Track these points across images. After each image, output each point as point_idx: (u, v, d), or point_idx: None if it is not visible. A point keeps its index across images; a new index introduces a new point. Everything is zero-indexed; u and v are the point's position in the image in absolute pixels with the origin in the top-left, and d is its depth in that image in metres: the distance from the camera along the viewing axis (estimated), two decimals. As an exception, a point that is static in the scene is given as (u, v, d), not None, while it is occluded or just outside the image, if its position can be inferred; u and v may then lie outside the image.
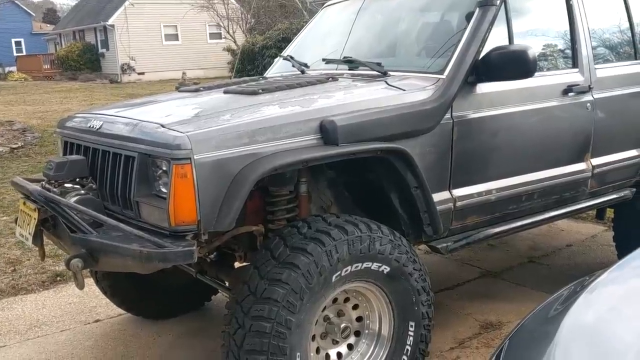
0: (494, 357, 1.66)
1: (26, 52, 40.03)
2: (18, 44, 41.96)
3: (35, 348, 3.50)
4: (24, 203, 2.74)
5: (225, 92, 3.05)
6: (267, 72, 4.07)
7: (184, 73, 22.83)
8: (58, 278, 4.46)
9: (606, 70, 3.62)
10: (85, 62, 31.78)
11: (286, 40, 17.40)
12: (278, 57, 4.12)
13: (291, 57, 3.73)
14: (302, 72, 3.56)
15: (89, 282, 3.68)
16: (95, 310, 3.97)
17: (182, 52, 30.50)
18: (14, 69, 34.14)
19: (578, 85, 3.42)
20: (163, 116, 2.62)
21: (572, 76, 3.45)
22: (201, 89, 3.31)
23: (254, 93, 2.88)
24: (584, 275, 1.98)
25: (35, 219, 2.60)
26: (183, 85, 3.22)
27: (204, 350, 3.43)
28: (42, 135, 10.84)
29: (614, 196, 3.79)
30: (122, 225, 2.38)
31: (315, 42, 4.07)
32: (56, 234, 2.61)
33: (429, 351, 2.87)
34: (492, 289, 4.20)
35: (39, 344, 3.54)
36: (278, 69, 3.97)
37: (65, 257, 2.46)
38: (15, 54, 39.73)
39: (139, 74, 30.00)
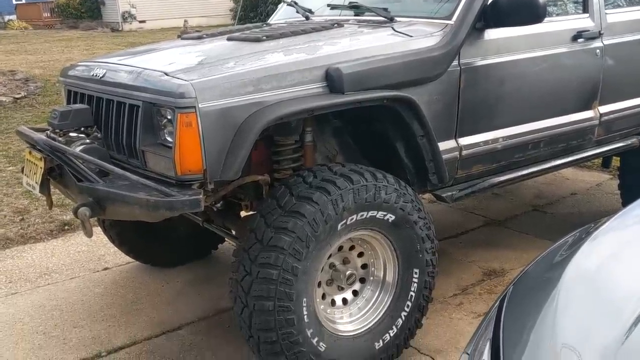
0: (497, 302, 1.68)
1: (25, 0, 39.30)
2: (17, -9, 41.11)
3: (46, 295, 3.57)
4: (30, 152, 2.74)
5: (228, 40, 3.01)
6: (270, 18, 4.00)
7: (185, 21, 22.45)
8: (66, 227, 4.51)
9: (617, 16, 3.55)
10: (86, 10, 31.23)
11: (289, -13, 17.01)
12: (282, 3, 4.04)
13: (295, 3, 3.65)
14: (307, 18, 3.49)
15: (97, 230, 3.73)
16: (103, 258, 4.03)
17: (184, -1, 29.88)
18: (13, 17, 33.62)
19: (588, 31, 3.36)
20: (166, 64, 2.59)
21: (582, 22, 3.38)
22: (204, 36, 3.25)
23: (257, 40, 2.84)
24: (588, 224, 1.98)
25: (41, 168, 2.61)
26: (185, 34, 3.15)
27: (211, 296, 3.50)
28: (44, 85, 10.77)
29: (621, 144, 3.77)
30: (128, 174, 2.39)
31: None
32: (63, 182, 2.62)
33: (432, 297, 2.92)
34: (496, 237, 4.24)
35: (49, 291, 3.61)
36: (282, 15, 3.90)
37: (72, 206, 2.48)
38: (14, 1, 39.01)
39: (140, 22, 29.50)
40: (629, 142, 3.79)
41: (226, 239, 3.60)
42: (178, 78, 2.35)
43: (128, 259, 3.88)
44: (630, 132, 3.80)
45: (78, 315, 3.34)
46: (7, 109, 8.93)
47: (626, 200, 4.12)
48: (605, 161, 4.32)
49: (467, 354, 1.60)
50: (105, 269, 3.90)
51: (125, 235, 3.62)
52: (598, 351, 1.31)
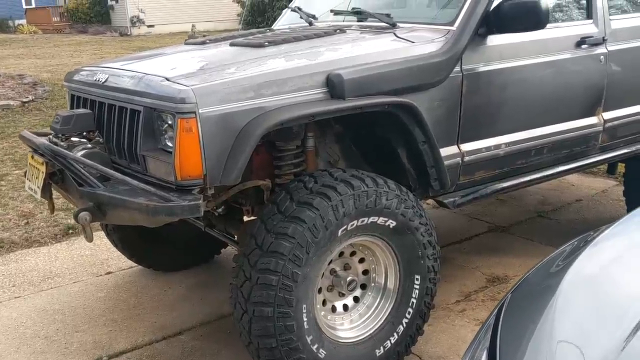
0: (496, 310, 1.67)
1: (35, 5, 39.55)
2: (27, -4, 41.45)
3: (48, 299, 3.58)
4: (32, 157, 2.75)
5: (231, 45, 3.01)
6: (274, 24, 4.01)
7: (193, 26, 22.56)
8: (70, 231, 4.52)
9: (621, 22, 3.53)
10: (95, 14, 31.46)
11: (297, -8, 17.07)
12: (286, 9, 4.05)
13: (299, 9, 3.66)
14: (310, 23, 3.49)
15: (100, 234, 3.75)
16: (106, 262, 4.04)
17: (192, 4, 30.01)
18: (23, 22, 33.87)
19: (592, 37, 3.34)
20: (168, 69, 2.60)
21: (586, 28, 3.36)
22: (207, 41, 3.26)
23: (260, 46, 2.84)
24: (591, 230, 1.97)
25: (43, 172, 2.62)
26: (192, 38, 3.19)
27: (213, 302, 3.50)
28: (52, 89, 10.83)
29: (625, 150, 3.75)
30: (129, 179, 2.39)
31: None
32: (64, 187, 2.63)
33: (434, 304, 2.90)
34: (500, 243, 4.22)
35: (52, 295, 3.62)
36: (286, 20, 3.91)
37: (74, 211, 2.48)
38: (24, 6, 39.32)
39: (149, 26, 29.66)
40: (633, 148, 3.77)
41: (228, 244, 3.60)
42: (179, 83, 2.35)
43: (131, 263, 3.89)
44: (634, 138, 3.77)
45: (80, 320, 3.34)
46: (15, 112, 8.98)
47: (632, 207, 4.10)
48: (611, 167, 4.30)
49: (464, 362, 1.59)
50: (108, 273, 3.91)
51: (128, 239, 3.63)
52: (599, 353, 1.29)
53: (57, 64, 15.37)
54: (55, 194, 2.80)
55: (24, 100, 9.65)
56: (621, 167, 4.37)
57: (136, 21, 29.81)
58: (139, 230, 3.49)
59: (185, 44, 3.43)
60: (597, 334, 1.38)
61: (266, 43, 2.85)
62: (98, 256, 4.12)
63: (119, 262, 3.99)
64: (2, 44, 21.76)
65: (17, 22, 33.37)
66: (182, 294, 3.62)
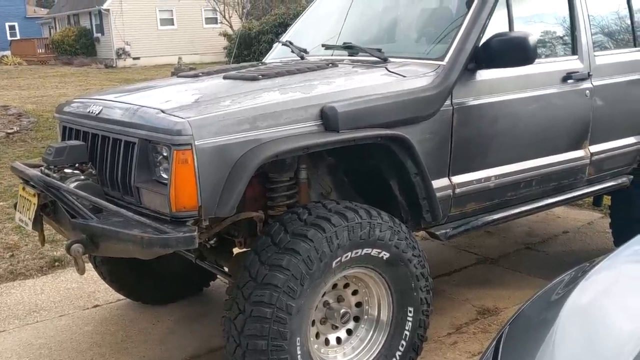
0: (494, 343, 1.68)
1: (20, 37, 39.70)
2: (12, 28, 41.64)
3: (34, 333, 3.51)
4: (24, 188, 2.73)
5: (225, 78, 3.04)
6: (266, 57, 4.06)
7: (179, 58, 22.69)
8: (56, 263, 4.46)
9: (605, 58, 3.62)
10: (81, 46, 31.60)
11: (283, 26, 17.30)
12: (277, 43, 4.10)
13: (290, 43, 3.72)
14: (302, 57, 3.54)
15: (88, 267, 3.69)
16: (94, 295, 3.98)
17: (178, 37, 30.34)
18: (8, 53, 33.87)
19: (577, 72, 3.42)
20: (163, 101, 2.61)
21: (572, 63, 3.45)
22: (200, 74, 3.29)
23: (254, 79, 2.87)
24: (580, 262, 1.99)
25: (35, 204, 2.60)
26: (179, 71, 3.21)
27: (203, 335, 3.45)
28: (37, 120, 10.78)
29: (612, 183, 3.81)
30: (122, 210, 2.38)
31: (314, 27, 4.05)
32: (56, 219, 2.61)
33: (427, 336, 2.89)
34: (489, 275, 4.23)
35: (37, 329, 3.55)
36: (277, 54, 3.96)
37: (65, 243, 2.46)
38: (9, 38, 39.44)
39: (134, 58, 29.85)
40: (619, 181, 3.83)
41: (218, 276, 3.57)
42: (175, 115, 2.36)
43: (119, 296, 3.83)
44: (620, 171, 3.84)
45: (67, 354, 3.27)
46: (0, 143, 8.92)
47: (618, 239, 4.14)
48: (597, 200, 4.35)
49: (464, 395, 1.59)
50: (96, 306, 3.85)
51: (117, 272, 3.59)
52: None
53: (42, 95, 15.35)
54: (45, 226, 2.77)
55: (9, 131, 9.60)
56: (607, 200, 4.43)
57: (122, 53, 29.99)
58: (128, 262, 3.45)
59: (178, 76, 3.46)
60: None
61: (260, 76, 2.88)
62: (85, 289, 4.06)
63: (106, 295, 3.93)
64: (-14, 75, 21.70)
65: (1, 53, 33.38)
66: (170, 327, 3.57)
